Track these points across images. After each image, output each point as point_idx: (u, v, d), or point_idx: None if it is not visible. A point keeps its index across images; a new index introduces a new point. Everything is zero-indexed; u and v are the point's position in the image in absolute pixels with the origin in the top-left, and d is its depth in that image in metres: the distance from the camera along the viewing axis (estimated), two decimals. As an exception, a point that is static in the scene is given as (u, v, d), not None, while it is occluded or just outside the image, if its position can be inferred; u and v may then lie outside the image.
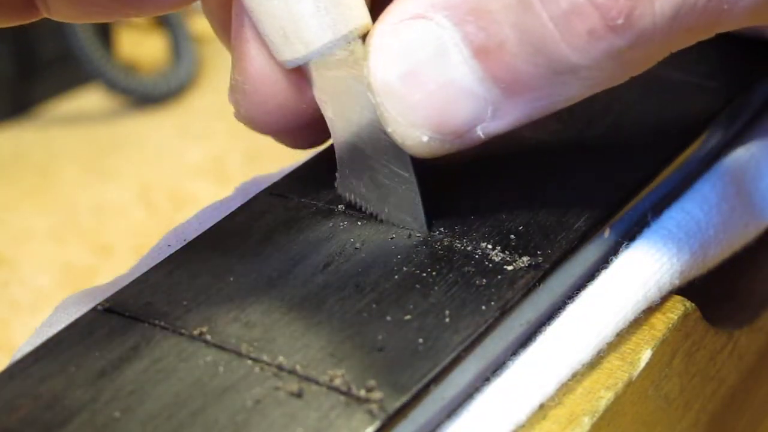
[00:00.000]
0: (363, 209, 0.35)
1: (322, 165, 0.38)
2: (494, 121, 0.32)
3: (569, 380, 0.32)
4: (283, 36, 0.33)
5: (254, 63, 0.34)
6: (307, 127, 0.36)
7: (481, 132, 0.32)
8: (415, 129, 0.32)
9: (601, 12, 0.30)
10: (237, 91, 0.35)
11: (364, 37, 0.33)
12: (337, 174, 0.35)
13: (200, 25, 1.00)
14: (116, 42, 0.94)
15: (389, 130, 0.32)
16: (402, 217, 0.34)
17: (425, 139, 0.32)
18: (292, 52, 0.33)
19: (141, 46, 0.99)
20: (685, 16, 0.30)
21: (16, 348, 0.33)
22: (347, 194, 0.35)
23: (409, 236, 0.34)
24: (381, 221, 0.34)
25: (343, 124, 0.34)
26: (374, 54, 0.32)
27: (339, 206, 0.35)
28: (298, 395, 0.28)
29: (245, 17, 0.34)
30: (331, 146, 0.37)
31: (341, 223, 0.34)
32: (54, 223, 0.76)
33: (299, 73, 0.34)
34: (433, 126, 0.32)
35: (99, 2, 0.34)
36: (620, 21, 0.29)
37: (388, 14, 0.32)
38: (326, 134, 0.36)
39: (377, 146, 0.34)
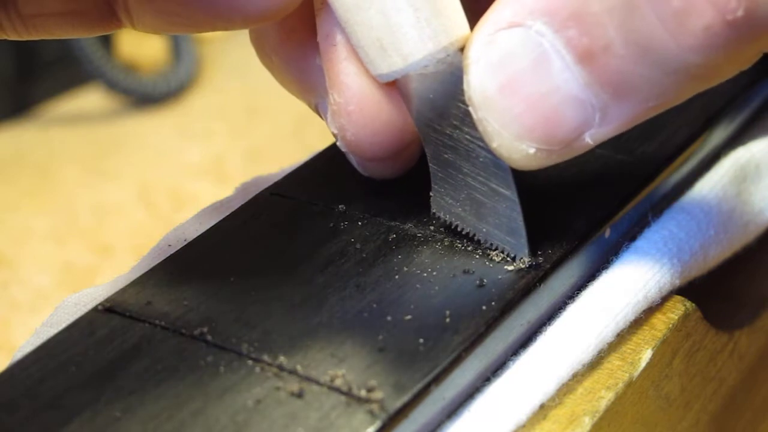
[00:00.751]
0: (458, 229, 0.33)
1: (323, 165, 0.38)
2: (603, 126, 0.30)
3: (570, 380, 0.32)
4: (379, 48, 0.32)
5: (356, 81, 0.33)
6: (406, 148, 0.35)
7: (589, 139, 0.30)
8: (521, 142, 0.30)
9: (717, 7, 0.28)
10: (340, 115, 0.34)
11: (462, 49, 0.31)
12: (431, 193, 0.34)
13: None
14: (116, 42, 0.94)
15: (494, 145, 0.31)
16: (502, 237, 0.33)
17: (532, 151, 0.30)
18: (389, 65, 0.32)
19: (141, 46, 0.99)
20: None
21: (16, 348, 0.33)
22: (441, 213, 0.34)
23: (410, 236, 0.34)
24: (380, 222, 0.34)
25: (439, 140, 0.33)
26: (473, 66, 0.30)
27: (339, 206, 0.35)
28: (299, 395, 0.28)
29: (337, 35, 0.33)
30: (332, 145, 0.37)
31: (342, 223, 0.34)
32: (54, 223, 0.76)
33: (396, 89, 0.33)
34: (540, 137, 0.30)
35: (184, 14, 0.33)
36: (740, 13, 0.28)
37: (484, 24, 0.30)
38: (420, 156, 0.35)
39: (476, 163, 0.32)
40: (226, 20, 0.33)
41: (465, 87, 0.31)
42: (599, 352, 0.32)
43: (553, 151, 0.31)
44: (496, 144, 0.31)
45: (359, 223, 0.34)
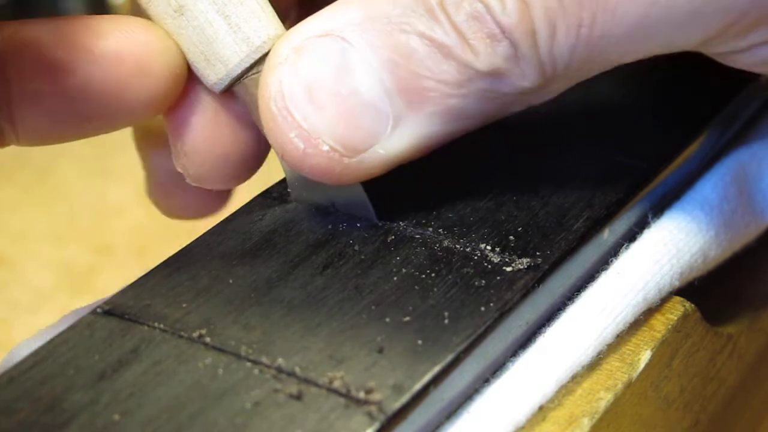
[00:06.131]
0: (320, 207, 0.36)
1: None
2: (394, 137, 0.32)
3: (569, 381, 0.32)
4: (205, 60, 0.34)
5: (189, 126, 0.36)
6: (250, 168, 0.37)
7: (381, 149, 0.32)
8: (318, 137, 0.32)
9: (494, 16, 0.31)
10: (179, 157, 0.37)
11: None
12: (288, 189, 0.36)
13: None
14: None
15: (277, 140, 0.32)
16: (351, 209, 0.35)
17: (326, 148, 0.32)
18: (215, 74, 0.34)
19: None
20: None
21: (16, 348, 0.33)
22: (301, 203, 0.36)
23: (408, 238, 0.34)
24: (378, 223, 0.34)
25: None
26: (280, 66, 0.32)
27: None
28: (298, 397, 0.28)
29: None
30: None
31: (340, 225, 0.34)
32: (54, 223, 0.76)
33: (229, 114, 0.35)
34: (337, 136, 0.32)
35: (71, 113, 0.34)
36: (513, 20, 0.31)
37: (292, 33, 0.32)
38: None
39: None
40: (111, 119, 0.35)
41: (262, 86, 0.32)
42: (598, 354, 0.32)
43: (343, 158, 0.32)
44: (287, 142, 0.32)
45: (358, 225, 0.34)
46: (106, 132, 0.36)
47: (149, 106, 0.35)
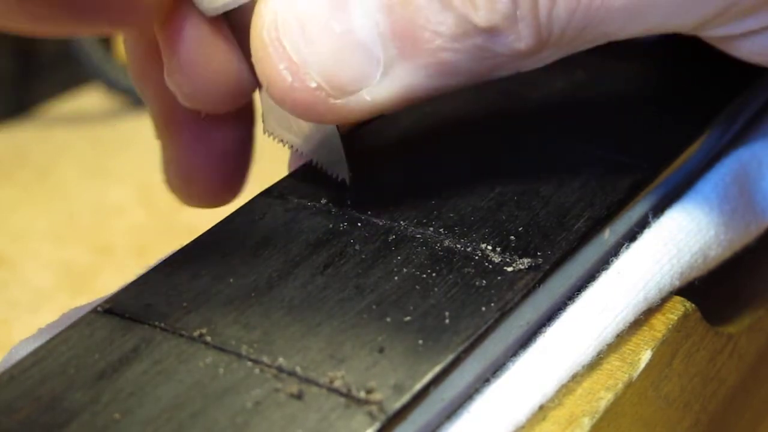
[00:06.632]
0: (289, 148, 0.36)
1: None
2: (383, 85, 0.32)
3: (569, 381, 0.32)
4: None
5: (185, 40, 0.35)
6: (244, 96, 0.37)
7: (367, 95, 0.32)
8: (307, 71, 0.32)
9: None
10: (173, 72, 0.36)
11: None
12: (262, 120, 0.36)
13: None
14: (116, 42, 0.94)
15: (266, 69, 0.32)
16: (324, 160, 0.35)
17: (313, 85, 0.32)
18: (210, 1, 0.34)
19: (141, 45, 0.99)
20: None
21: (16, 348, 0.33)
22: (273, 137, 0.36)
23: (409, 238, 0.34)
24: (379, 223, 0.34)
25: None
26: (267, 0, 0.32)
27: (339, 207, 0.35)
28: (298, 397, 0.28)
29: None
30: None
31: (341, 224, 0.34)
32: (54, 223, 0.76)
33: (225, 39, 0.35)
34: (324, 73, 0.32)
35: (54, 10, 0.33)
36: None
37: None
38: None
39: None
40: (98, 15, 0.34)
41: (257, 14, 0.32)
42: (599, 353, 0.32)
43: (328, 98, 0.32)
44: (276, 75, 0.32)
45: (358, 224, 0.34)
46: (92, 33, 0.36)
47: (141, 8, 0.34)
